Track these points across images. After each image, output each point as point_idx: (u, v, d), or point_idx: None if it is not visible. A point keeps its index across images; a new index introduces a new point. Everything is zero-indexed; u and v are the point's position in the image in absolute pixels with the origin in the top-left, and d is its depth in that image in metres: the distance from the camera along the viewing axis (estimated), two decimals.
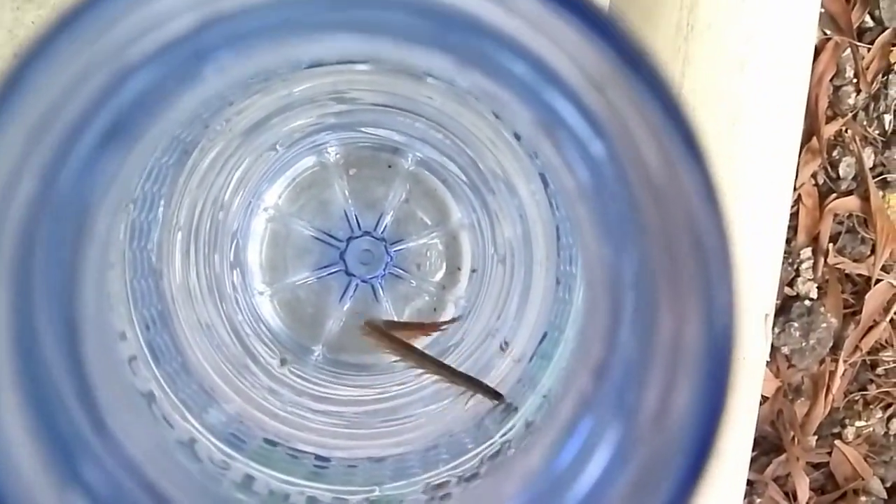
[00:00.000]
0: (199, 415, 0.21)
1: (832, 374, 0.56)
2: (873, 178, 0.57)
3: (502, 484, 0.14)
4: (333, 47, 0.13)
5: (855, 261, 0.57)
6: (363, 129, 0.33)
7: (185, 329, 0.25)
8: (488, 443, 0.22)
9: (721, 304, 0.11)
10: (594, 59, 0.11)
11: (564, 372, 0.17)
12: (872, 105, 0.57)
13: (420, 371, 0.31)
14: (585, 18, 0.11)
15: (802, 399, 0.58)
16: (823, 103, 0.55)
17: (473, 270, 0.37)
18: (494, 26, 0.11)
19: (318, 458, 0.24)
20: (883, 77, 0.56)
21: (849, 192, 0.57)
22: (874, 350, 0.57)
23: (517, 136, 0.24)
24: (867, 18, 0.56)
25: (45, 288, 0.10)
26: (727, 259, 0.11)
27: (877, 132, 0.57)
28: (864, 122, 0.57)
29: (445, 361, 0.31)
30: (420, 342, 0.37)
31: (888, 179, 0.57)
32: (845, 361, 0.56)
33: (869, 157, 0.57)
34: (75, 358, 0.11)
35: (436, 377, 0.29)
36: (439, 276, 0.37)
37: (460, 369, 0.29)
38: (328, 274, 0.37)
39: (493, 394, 0.25)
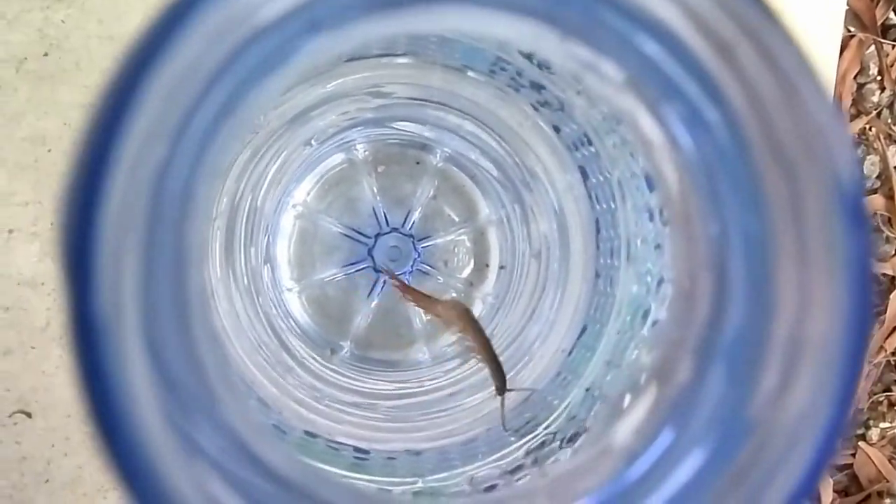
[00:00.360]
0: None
1: None
2: None
3: (568, 480, 0.14)
4: (444, 21, 0.13)
5: (879, 260, 0.56)
6: (394, 125, 0.33)
7: (225, 322, 0.25)
8: (531, 435, 0.23)
9: (857, 282, 0.10)
10: (724, 23, 0.11)
11: (644, 364, 0.16)
12: None
13: (453, 367, 0.31)
14: None
15: None
16: (847, 101, 0.55)
17: (502, 267, 0.37)
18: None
19: (356, 450, 0.24)
20: None
21: (873, 191, 0.57)
22: None
23: (556, 129, 0.24)
24: (891, 15, 0.56)
25: (162, 261, 0.11)
26: (868, 230, 0.10)
27: None
28: (889, 120, 0.57)
29: (475, 358, 0.31)
30: (447, 339, 0.37)
31: None
32: (869, 362, 0.56)
33: (893, 155, 0.57)
34: (186, 326, 0.11)
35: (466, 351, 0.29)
36: (467, 272, 0.38)
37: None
38: (356, 270, 0.37)
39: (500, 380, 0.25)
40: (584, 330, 0.24)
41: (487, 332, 0.35)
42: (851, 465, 0.57)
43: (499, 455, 0.22)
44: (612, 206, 0.23)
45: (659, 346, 0.14)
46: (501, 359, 0.28)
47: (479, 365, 0.30)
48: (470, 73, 0.23)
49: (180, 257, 0.11)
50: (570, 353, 0.24)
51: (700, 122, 0.12)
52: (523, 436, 0.22)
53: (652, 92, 0.12)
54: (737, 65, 0.11)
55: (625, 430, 0.13)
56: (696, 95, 0.12)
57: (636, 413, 0.13)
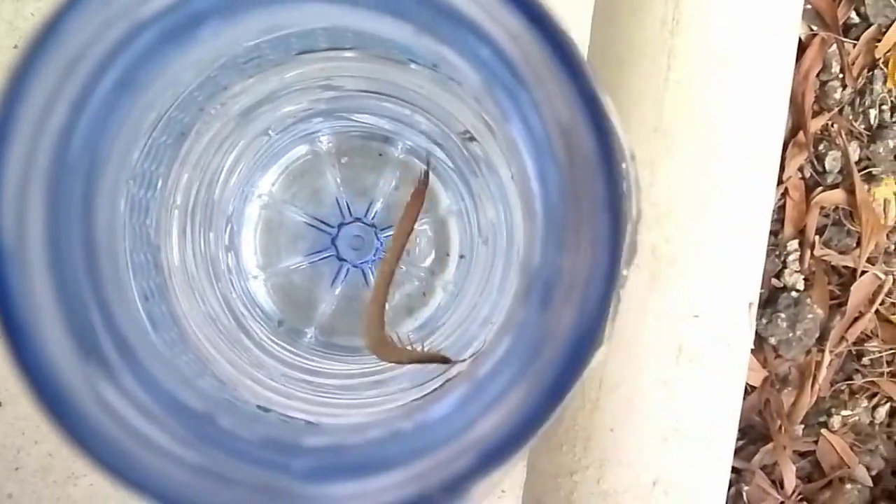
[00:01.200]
0: (195, 380, 0.22)
1: (818, 364, 0.58)
2: (859, 171, 0.58)
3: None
4: (308, 13, 0.15)
5: (841, 253, 0.58)
6: (353, 117, 0.34)
7: (182, 302, 0.26)
8: None
9: (601, 235, 0.13)
10: (511, 19, 0.13)
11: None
12: (858, 100, 0.58)
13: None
14: None
15: (789, 389, 0.59)
16: (810, 98, 0.57)
17: (461, 256, 0.39)
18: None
19: (307, 423, 0.26)
20: (868, 72, 0.58)
21: (835, 186, 0.58)
22: (860, 340, 0.59)
23: (492, 119, 0.26)
24: (853, 14, 0.58)
25: (68, 212, 0.12)
26: (611, 197, 0.13)
27: (862, 126, 0.58)
28: (850, 117, 0.59)
29: (431, 337, 0.32)
30: (410, 325, 0.39)
31: (873, 173, 0.59)
32: (831, 352, 0.58)
33: (855, 151, 0.59)
34: (95, 278, 0.13)
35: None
36: (428, 261, 0.39)
37: (447, 342, 0.30)
38: (320, 259, 0.38)
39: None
40: None
41: (446, 318, 0.36)
42: (814, 451, 0.59)
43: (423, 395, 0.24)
44: None
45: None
46: (453, 338, 0.30)
47: (435, 345, 0.31)
48: (413, 66, 0.25)
49: (87, 205, 0.13)
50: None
51: (517, 105, 0.14)
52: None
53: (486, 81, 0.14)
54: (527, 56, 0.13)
55: None
56: (507, 76, 0.14)
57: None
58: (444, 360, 0.29)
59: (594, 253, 0.14)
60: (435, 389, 0.23)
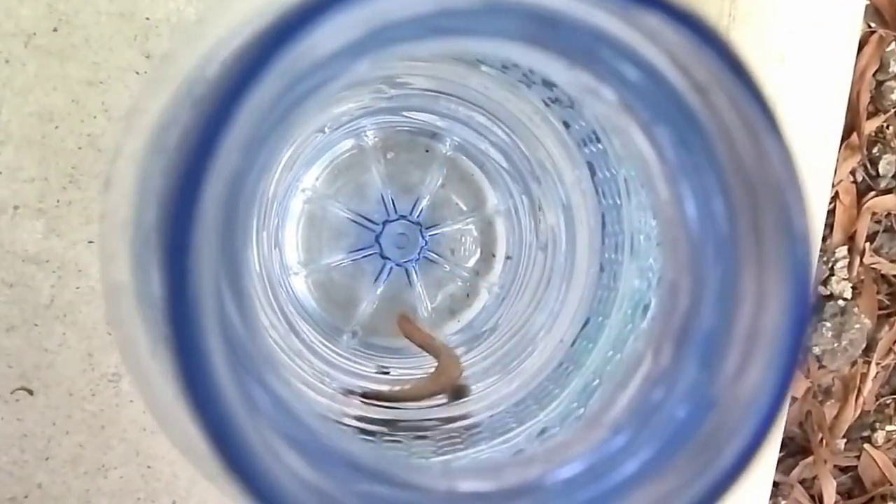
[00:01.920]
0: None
1: (864, 376, 0.60)
2: None
3: (560, 448, 0.17)
4: (469, 49, 0.16)
5: (892, 261, 0.60)
6: (405, 114, 0.36)
7: None
8: (533, 421, 0.26)
9: (800, 285, 0.14)
10: (700, 66, 0.14)
11: (633, 352, 0.20)
12: None
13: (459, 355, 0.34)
14: (696, 31, 0.14)
15: (832, 401, 0.61)
16: (865, 98, 0.58)
17: (508, 257, 0.40)
18: (612, 34, 0.14)
19: (362, 431, 0.27)
20: None
21: (888, 191, 0.60)
22: None
23: (566, 125, 0.27)
24: None
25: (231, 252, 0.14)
26: (809, 244, 0.14)
27: None
28: None
29: (484, 344, 0.34)
30: (452, 327, 0.40)
31: None
32: (878, 364, 0.59)
33: None
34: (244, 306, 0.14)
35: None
36: (473, 261, 0.41)
37: (500, 352, 0.32)
38: (363, 257, 0.40)
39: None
40: (587, 322, 0.27)
41: (492, 322, 0.38)
42: (856, 467, 0.61)
43: (501, 440, 0.25)
44: (618, 202, 0.26)
45: (651, 336, 0.17)
46: (506, 349, 0.31)
47: (484, 353, 0.33)
48: (483, 68, 0.26)
49: (240, 247, 0.14)
50: (572, 343, 0.27)
51: (682, 143, 0.15)
52: (523, 422, 0.25)
53: (643, 114, 0.16)
54: (710, 103, 0.14)
55: (616, 407, 0.16)
56: (679, 122, 0.15)
57: (627, 392, 0.17)
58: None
59: (781, 300, 0.15)
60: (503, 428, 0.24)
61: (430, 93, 0.32)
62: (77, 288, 0.39)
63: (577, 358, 0.26)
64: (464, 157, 0.40)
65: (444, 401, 0.31)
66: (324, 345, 0.34)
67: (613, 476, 0.15)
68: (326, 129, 0.34)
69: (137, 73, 0.39)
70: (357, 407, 0.30)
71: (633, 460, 0.15)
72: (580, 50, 0.15)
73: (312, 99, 0.15)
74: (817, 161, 0.49)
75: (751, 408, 0.14)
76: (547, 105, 0.28)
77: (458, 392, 0.32)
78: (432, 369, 0.36)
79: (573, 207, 0.30)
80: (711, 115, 0.15)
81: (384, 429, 0.29)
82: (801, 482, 0.59)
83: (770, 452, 0.50)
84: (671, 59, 0.14)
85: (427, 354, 0.39)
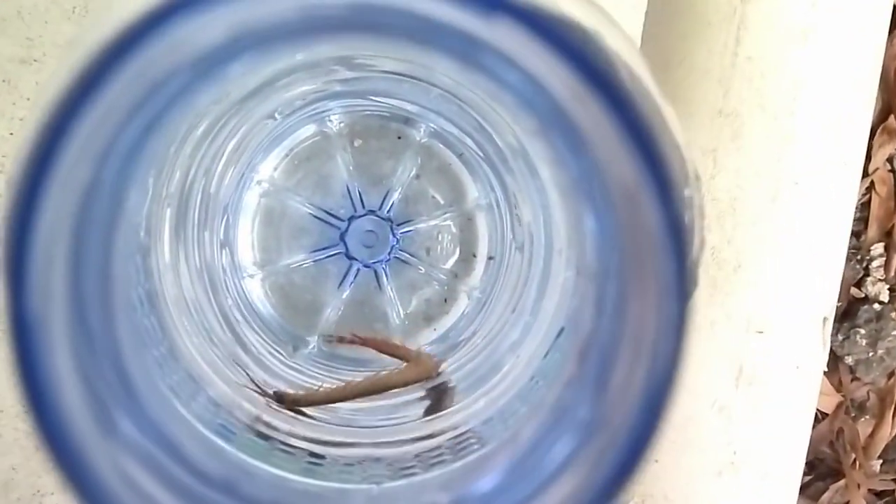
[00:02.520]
0: (187, 403, 0.23)
1: None
2: None
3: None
4: (346, 46, 0.16)
5: None
6: (371, 98, 0.35)
7: (173, 311, 0.27)
8: (497, 443, 0.25)
9: (668, 310, 0.15)
10: (570, 78, 0.14)
11: (559, 359, 0.21)
12: None
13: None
14: (557, 43, 0.14)
15: (867, 417, 0.60)
16: None
17: (490, 258, 0.39)
18: (488, 41, 0.14)
19: (311, 454, 0.27)
20: None
21: None
22: None
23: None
24: None
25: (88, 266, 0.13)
26: (677, 270, 0.14)
27: None
28: None
29: (455, 357, 0.33)
30: (427, 336, 0.40)
31: None
32: None
33: None
34: (110, 323, 0.14)
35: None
36: (451, 262, 0.40)
37: (469, 365, 0.31)
38: (327, 257, 0.39)
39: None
40: (560, 332, 0.26)
41: (470, 330, 0.37)
42: (893, 491, 0.60)
43: (462, 464, 0.25)
44: None
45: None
46: (476, 362, 0.31)
47: (453, 367, 0.32)
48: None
49: (105, 260, 0.14)
50: (545, 355, 0.26)
51: (575, 154, 0.15)
52: (487, 443, 0.24)
53: (533, 121, 0.15)
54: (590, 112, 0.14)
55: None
56: (567, 131, 0.15)
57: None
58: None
59: (659, 308, 0.15)
60: (466, 449, 0.24)
61: (393, 76, 0.31)
62: None
63: (548, 372, 0.26)
64: (440, 145, 0.39)
65: (416, 417, 0.31)
66: (275, 356, 0.34)
67: (529, 481, 0.16)
68: (277, 116, 0.33)
69: None
70: (306, 426, 0.29)
71: (548, 463, 0.16)
72: (460, 52, 0.15)
73: (181, 106, 0.14)
74: (846, 148, 0.48)
75: (633, 413, 0.15)
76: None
77: (439, 396, 0.31)
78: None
79: (550, 204, 0.29)
80: (592, 127, 0.15)
81: (337, 451, 0.28)
82: None
83: (793, 475, 0.49)
84: (546, 65, 0.14)
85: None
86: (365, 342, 0.34)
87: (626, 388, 0.15)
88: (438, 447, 0.27)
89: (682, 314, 0.15)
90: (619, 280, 0.15)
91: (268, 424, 0.28)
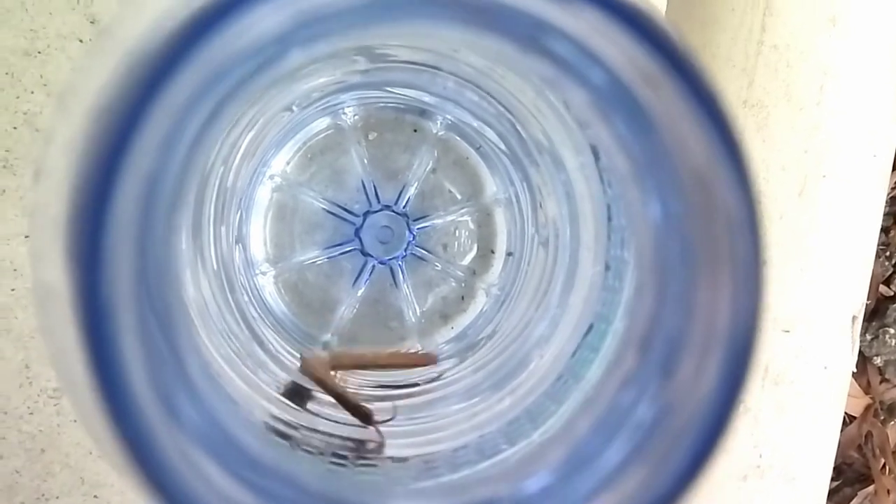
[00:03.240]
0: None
1: None
2: None
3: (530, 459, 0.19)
4: (406, 34, 0.17)
5: None
6: (389, 89, 0.36)
7: (191, 309, 0.28)
8: (525, 442, 0.26)
9: (746, 294, 0.15)
10: (646, 62, 0.15)
11: (613, 354, 0.21)
12: None
13: (449, 367, 0.35)
14: (638, 28, 0.14)
15: None
16: None
17: (509, 254, 0.40)
18: (558, 25, 0.15)
19: (334, 455, 0.28)
20: None
21: None
22: None
23: (567, 105, 0.28)
24: None
25: (149, 248, 0.14)
26: (755, 254, 0.15)
27: None
28: None
29: (476, 355, 0.34)
30: (444, 335, 0.41)
31: None
32: None
33: None
34: (168, 312, 0.15)
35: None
36: (469, 258, 0.41)
37: (492, 364, 0.32)
38: (341, 254, 0.40)
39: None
40: (589, 329, 0.27)
41: (489, 329, 0.38)
42: None
43: (490, 463, 0.26)
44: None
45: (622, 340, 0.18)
46: (500, 360, 0.32)
47: (475, 366, 0.33)
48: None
49: (167, 252, 0.15)
50: (573, 354, 0.27)
51: (641, 139, 0.16)
52: (515, 442, 0.25)
53: (600, 107, 0.16)
54: (663, 97, 0.15)
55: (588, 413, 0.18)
56: (634, 116, 0.16)
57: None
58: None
59: (735, 296, 0.16)
60: (492, 450, 0.25)
61: (413, 66, 0.32)
62: (12, 290, 0.40)
63: (578, 370, 0.27)
64: (458, 138, 0.40)
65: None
66: (293, 355, 0.35)
67: (583, 482, 0.17)
68: (294, 108, 0.34)
69: (81, 41, 0.40)
70: (327, 426, 0.30)
71: (604, 464, 0.17)
72: (524, 36, 0.16)
73: (241, 93, 0.15)
74: (875, 139, 0.49)
75: (702, 412, 0.16)
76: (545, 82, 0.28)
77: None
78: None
79: (577, 197, 0.30)
80: (664, 111, 0.15)
81: (358, 454, 0.29)
82: None
83: (821, 480, 0.50)
84: (618, 49, 0.15)
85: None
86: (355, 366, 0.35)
87: (696, 381, 0.16)
88: (464, 446, 0.28)
89: (760, 301, 0.16)
90: (686, 268, 0.16)
91: (288, 423, 0.29)
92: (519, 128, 0.32)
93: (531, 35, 0.16)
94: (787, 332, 0.49)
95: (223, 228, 0.33)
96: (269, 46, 0.15)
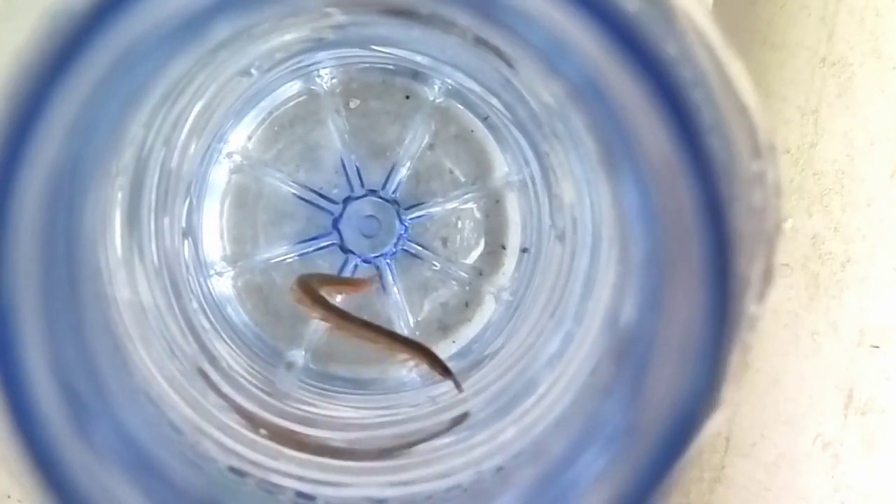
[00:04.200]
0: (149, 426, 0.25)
1: None
2: None
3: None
4: None
5: None
6: (373, 47, 0.36)
7: (126, 317, 0.29)
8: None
9: (709, 290, 0.16)
10: (597, 40, 0.16)
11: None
12: None
13: (444, 391, 0.36)
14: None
15: None
16: None
17: (524, 250, 0.41)
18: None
19: (299, 495, 0.29)
20: None
21: None
22: None
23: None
24: None
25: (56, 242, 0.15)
26: (717, 256, 0.16)
27: None
28: None
29: (477, 375, 0.35)
30: (444, 350, 0.41)
31: None
32: None
33: None
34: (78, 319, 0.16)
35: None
36: (475, 256, 0.41)
37: (494, 387, 0.33)
38: (315, 250, 0.41)
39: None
40: None
41: (498, 342, 0.39)
42: None
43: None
44: None
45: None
46: (505, 381, 0.32)
47: (476, 387, 0.34)
48: None
49: (84, 250, 0.16)
50: (592, 371, 0.28)
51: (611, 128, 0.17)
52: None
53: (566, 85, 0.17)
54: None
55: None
56: (596, 101, 0.17)
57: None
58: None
59: (697, 295, 0.17)
60: (484, 467, 0.26)
61: (398, 19, 0.32)
62: None
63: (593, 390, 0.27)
64: (459, 106, 0.40)
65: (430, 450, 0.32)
66: (253, 374, 0.35)
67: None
68: (254, 71, 0.35)
69: None
70: (293, 463, 0.31)
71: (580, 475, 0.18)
72: (477, 7, 0.17)
73: (159, 74, 0.16)
74: None
75: (664, 423, 0.18)
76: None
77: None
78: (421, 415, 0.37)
79: (598, 181, 0.30)
80: (622, 91, 0.16)
81: (331, 491, 0.30)
82: None
83: None
84: (573, 23, 0.16)
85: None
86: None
87: (662, 394, 0.17)
88: (457, 486, 0.29)
89: (722, 311, 0.17)
90: (658, 268, 0.17)
91: (246, 459, 0.30)
92: (526, 95, 0.32)
93: (484, 7, 0.16)
94: (877, 347, 0.49)
95: (166, 220, 0.34)
96: (187, 18, 0.15)
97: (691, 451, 0.18)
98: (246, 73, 0.35)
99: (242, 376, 0.35)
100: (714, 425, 0.19)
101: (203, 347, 0.34)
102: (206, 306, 0.37)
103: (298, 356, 0.40)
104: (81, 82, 0.15)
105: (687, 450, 0.17)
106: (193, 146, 0.35)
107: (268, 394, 0.35)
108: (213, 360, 0.34)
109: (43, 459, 0.15)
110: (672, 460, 0.17)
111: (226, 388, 0.33)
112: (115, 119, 0.16)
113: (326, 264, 0.41)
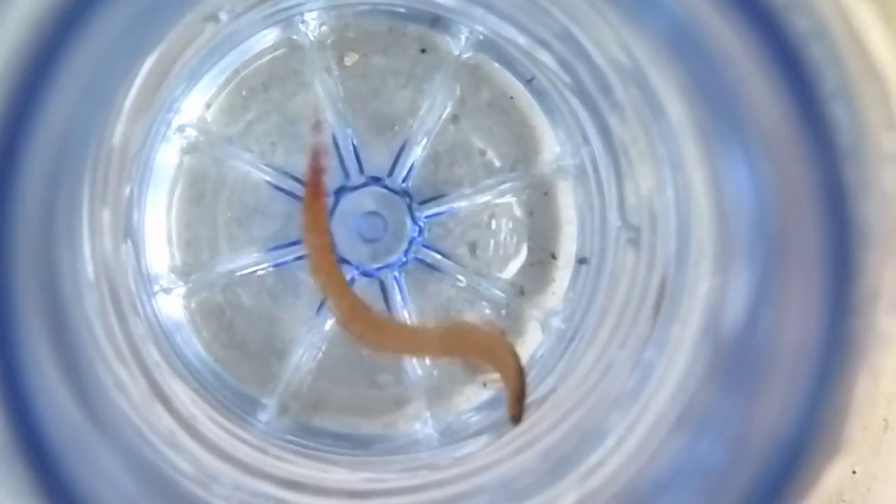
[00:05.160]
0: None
1: None
2: None
3: None
4: None
5: None
6: None
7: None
8: None
9: (827, 296, 0.19)
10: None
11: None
12: None
13: (476, 448, 0.37)
14: None
15: None
16: None
17: (582, 260, 0.42)
18: None
19: None
20: None
21: None
22: None
23: None
24: None
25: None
26: (840, 242, 0.18)
27: None
28: None
29: (526, 424, 0.36)
30: (473, 397, 0.42)
31: None
32: None
33: None
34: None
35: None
36: (514, 268, 0.43)
37: (547, 440, 0.34)
38: (296, 258, 0.42)
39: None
40: None
41: (547, 383, 0.40)
42: None
43: None
44: None
45: None
46: (559, 434, 0.34)
47: (520, 442, 0.35)
48: None
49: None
50: (685, 408, 0.29)
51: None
52: None
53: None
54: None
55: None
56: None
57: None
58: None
59: (813, 302, 0.18)
60: None
61: None
62: None
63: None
64: (494, 64, 0.41)
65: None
66: (216, 423, 0.36)
67: None
68: (223, 15, 0.35)
69: None
70: None
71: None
72: None
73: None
74: None
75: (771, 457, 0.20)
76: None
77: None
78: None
79: (686, 163, 0.31)
80: (733, 47, 0.18)
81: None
82: None
83: None
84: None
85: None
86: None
87: (767, 428, 0.19)
88: None
89: (843, 323, 0.18)
90: (767, 268, 0.19)
91: None
92: (589, 48, 0.33)
93: None
94: None
95: (106, 212, 0.34)
96: None
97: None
98: (212, 17, 0.35)
99: (204, 424, 0.35)
100: (834, 476, 0.21)
101: (154, 386, 0.34)
102: (153, 332, 0.38)
103: (272, 404, 0.41)
104: None
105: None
106: (139, 119, 0.35)
107: (238, 444, 0.35)
108: (166, 401, 0.34)
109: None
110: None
111: (184, 441, 0.33)
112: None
113: (310, 279, 0.40)
